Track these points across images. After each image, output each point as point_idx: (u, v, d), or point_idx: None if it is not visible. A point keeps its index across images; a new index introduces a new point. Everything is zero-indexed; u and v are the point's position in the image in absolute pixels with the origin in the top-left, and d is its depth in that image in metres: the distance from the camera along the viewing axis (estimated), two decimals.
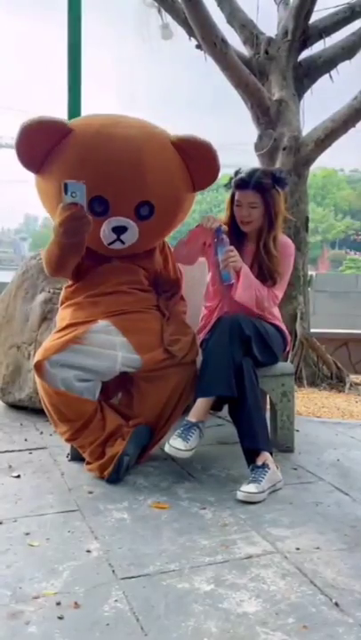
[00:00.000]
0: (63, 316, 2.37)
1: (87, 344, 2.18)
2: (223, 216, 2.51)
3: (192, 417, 2.20)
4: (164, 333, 2.31)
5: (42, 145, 2.24)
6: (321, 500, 2.08)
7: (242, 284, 2.32)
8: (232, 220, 2.44)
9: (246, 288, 2.32)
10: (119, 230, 2.30)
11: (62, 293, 2.50)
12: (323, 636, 1.32)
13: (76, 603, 1.40)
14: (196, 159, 2.36)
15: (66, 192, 2.11)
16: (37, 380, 2.22)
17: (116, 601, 1.42)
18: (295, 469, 2.38)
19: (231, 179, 2.43)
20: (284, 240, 2.51)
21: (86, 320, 2.26)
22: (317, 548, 1.73)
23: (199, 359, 2.32)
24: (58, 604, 1.40)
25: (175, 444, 2.12)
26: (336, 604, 1.44)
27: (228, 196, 2.48)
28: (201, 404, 2.21)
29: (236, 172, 2.40)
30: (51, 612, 1.37)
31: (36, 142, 2.22)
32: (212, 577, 1.54)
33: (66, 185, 2.11)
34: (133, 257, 2.43)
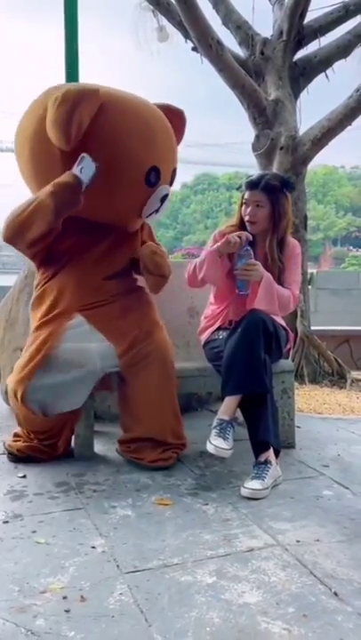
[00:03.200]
0: (34, 316, 2.38)
1: (61, 351, 2.23)
2: (234, 218, 2.59)
3: (224, 415, 2.20)
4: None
5: (85, 115, 2.14)
6: (322, 494, 2.11)
7: (263, 297, 2.33)
8: (242, 223, 2.51)
9: (270, 302, 2.34)
10: (164, 199, 2.41)
11: (36, 281, 2.48)
12: (322, 624, 1.35)
13: (82, 596, 1.44)
14: (174, 123, 2.56)
15: (78, 164, 2.18)
16: (12, 402, 2.31)
17: (120, 594, 1.46)
18: (296, 465, 2.42)
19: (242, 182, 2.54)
20: (291, 241, 2.55)
21: (59, 313, 2.30)
22: (318, 540, 1.76)
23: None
24: (64, 598, 1.43)
25: (218, 444, 2.13)
26: (335, 594, 1.47)
27: (237, 198, 2.59)
28: (231, 401, 2.22)
29: (249, 177, 2.52)
30: (58, 605, 1.40)
31: (81, 112, 2.12)
32: (214, 570, 1.58)
33: (83, 158, 2.17)
34: (117, 239, 2.45)
